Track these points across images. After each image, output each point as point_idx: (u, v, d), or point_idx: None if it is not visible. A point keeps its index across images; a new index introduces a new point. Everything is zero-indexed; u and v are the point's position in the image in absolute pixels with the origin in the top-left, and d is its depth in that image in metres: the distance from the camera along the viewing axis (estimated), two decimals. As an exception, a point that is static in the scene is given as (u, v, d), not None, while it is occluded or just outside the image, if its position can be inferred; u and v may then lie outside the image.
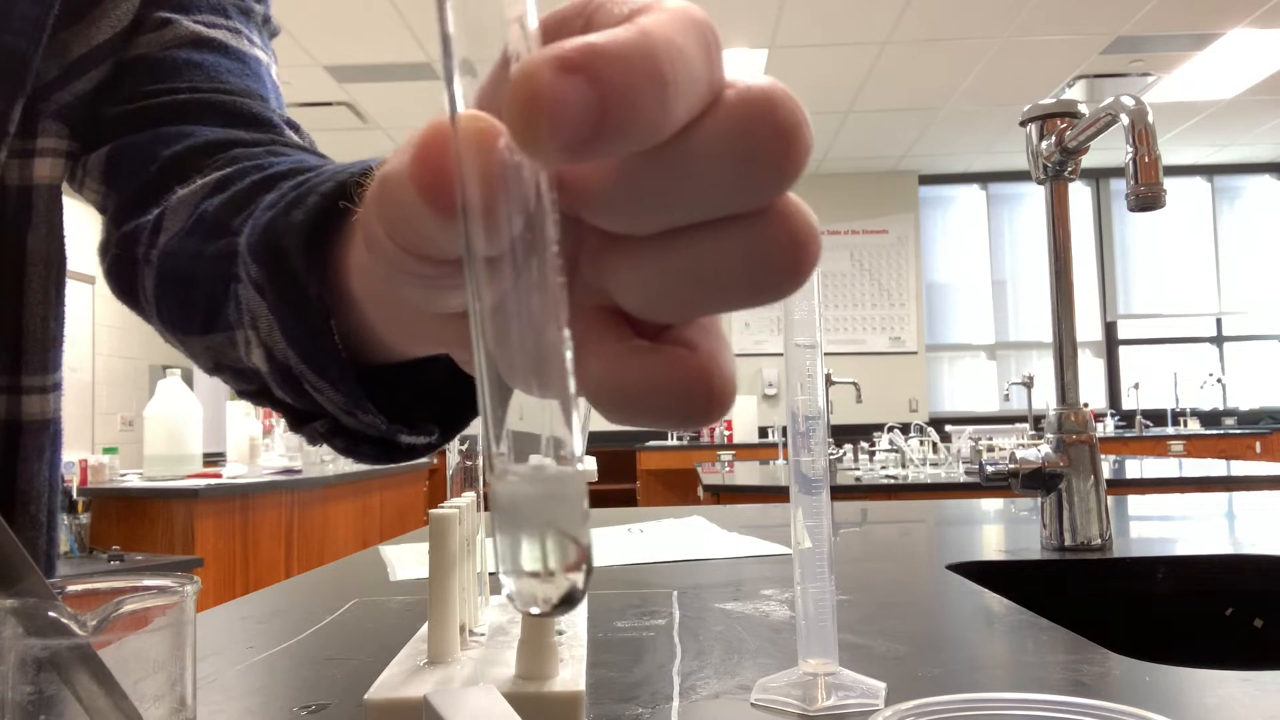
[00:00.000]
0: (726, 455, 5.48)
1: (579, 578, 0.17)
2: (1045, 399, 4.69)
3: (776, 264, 0.20)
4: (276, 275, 0.38)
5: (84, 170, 0.61)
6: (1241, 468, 2.59)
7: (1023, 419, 4.65)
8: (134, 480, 3.28)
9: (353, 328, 0.37)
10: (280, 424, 4.01)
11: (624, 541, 1.06)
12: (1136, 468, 2.84)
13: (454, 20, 0.17)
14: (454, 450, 0.51)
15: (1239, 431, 5.96)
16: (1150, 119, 0.79)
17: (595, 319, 0.23)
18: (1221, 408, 6.99)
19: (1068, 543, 0.91)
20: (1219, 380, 6.79)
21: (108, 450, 3.43)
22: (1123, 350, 7.22)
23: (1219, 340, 7.17)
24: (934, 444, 2.95)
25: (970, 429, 4.14)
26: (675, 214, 0.20)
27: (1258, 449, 5.65)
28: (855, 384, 3.04)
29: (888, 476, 2.66)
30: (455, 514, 0.46)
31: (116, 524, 3.01)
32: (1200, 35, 4.79)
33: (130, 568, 2.72)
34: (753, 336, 7.07)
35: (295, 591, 0.82)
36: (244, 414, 3.69)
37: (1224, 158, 6.96)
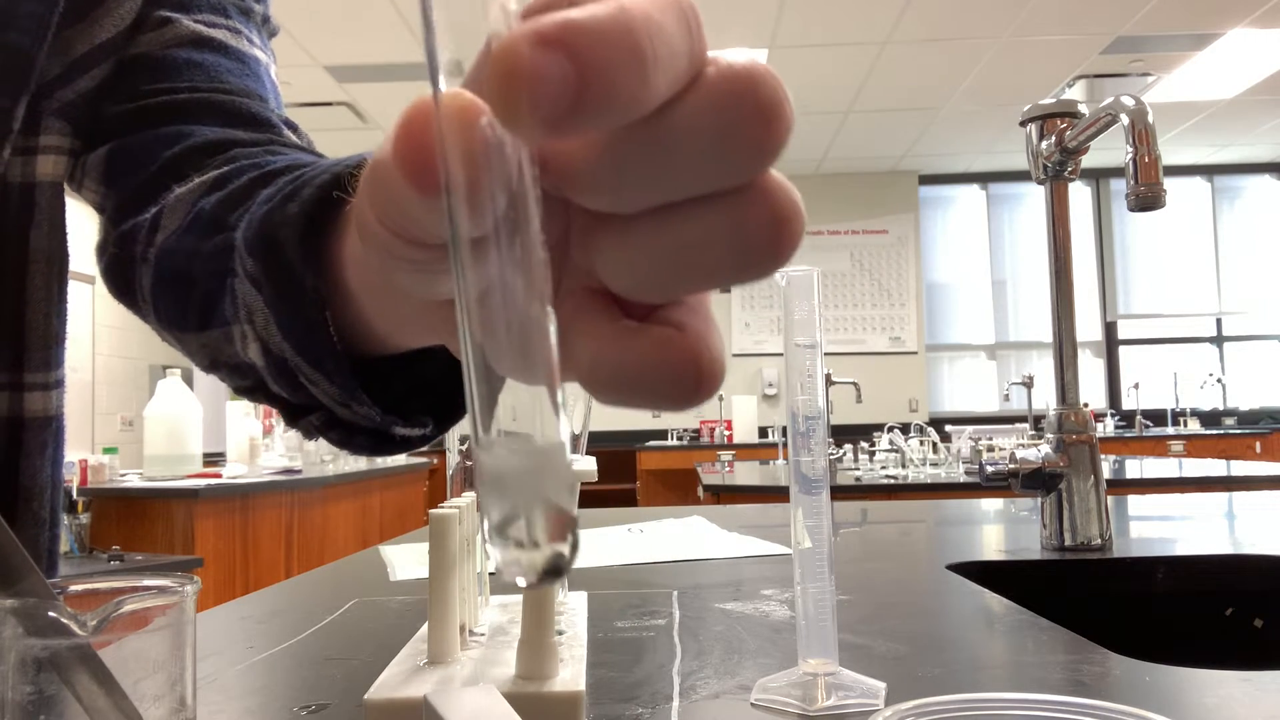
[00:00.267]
0: (726, 455, 5.48)
1: (565, 548, 0.17)
2: (1045, 399, 4.69)
3: (759, 241, 0.20)
4: (272, 268, 0.38)
5: (83, 170, 0.61)
6: (1241, 468, 2.59)
7: (1023, 419, 4.65)
8: (134, 480, 3.28)
9: (348, 320, 0.37)
10: (280, 424, 4.00)
11: (624, 541, 1.06)
12: (1136, 468, 2.84)
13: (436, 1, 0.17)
14: (454, 450, 0.52)
15: (1239, 431, 5.96)
16: (1150, 119, 0.79)
17: (585, 300, 0.23)
18: (1221, 408, 6.99)
19: (1068, 543, 0.91)
20: (1219, 380, 6.79)
21: (108, 450, 3.43)
22: (1123, 350, 7.22)
23: (1219, 340, 7.17)
24: (934, 444, 2.95)
25: (970, 429, 4.14)
26: (658, 191, 0.20)
27: (1258, 449, 5.65)
28: (855, 384, 3.04)
29: (888, 476, 2.66)
30: (455, 514, 0.46)
31: (116, 524, 3.01)
32: (1200, 35, 4.79)
33: (130, 568, 2.72)
34: (753, 336, 7.07)
35: (295, 591, 0.82)
36: (244, 414, 3.69)
37: (1224, 158, 6.96)
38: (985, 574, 0.83)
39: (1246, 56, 5.04)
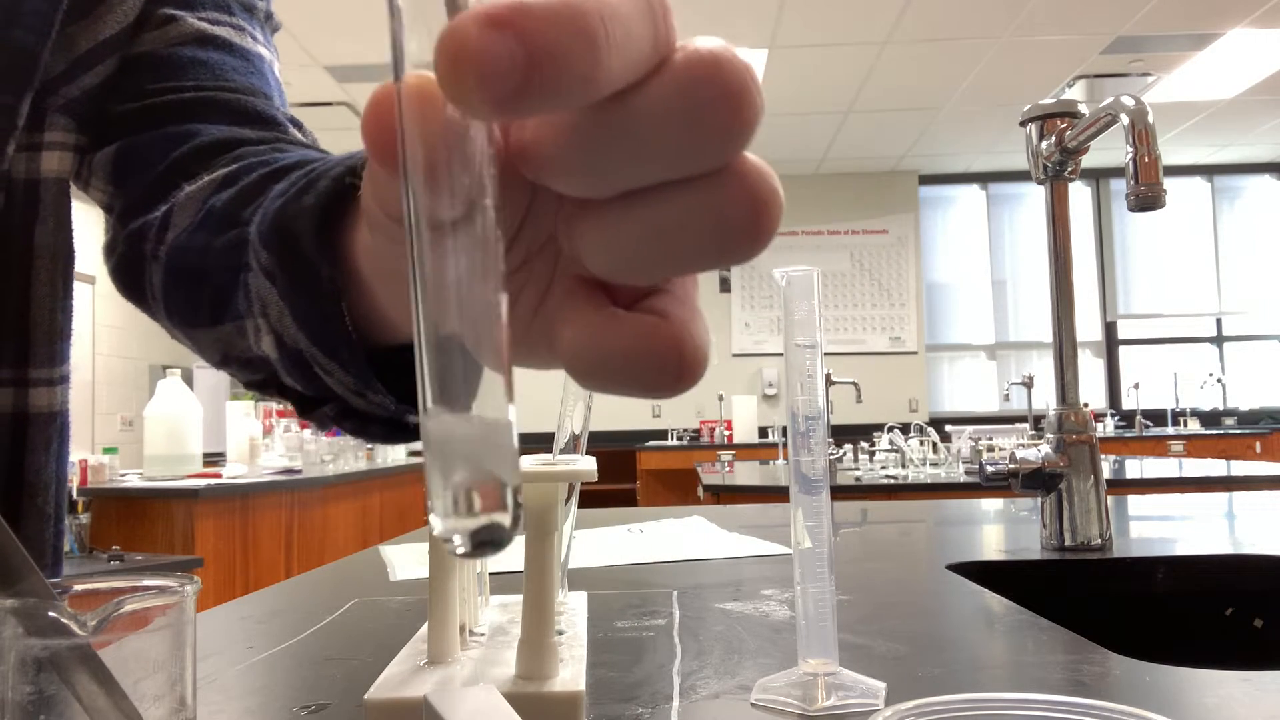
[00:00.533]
0: (726, 455, 5.48)
1: (504, 519, 0.17)
2: (1045, 399, 4.69)
3: (737, 224, 0.20)
4: (288, 260, 0.38)
5: (90, 170, 0.61)
6: (1241, 468, 2.59)
7: (1023, 419, 4.64)
8: (134, 480, 3.28)
9: (362, 309, 0.37)
10: (280, 424, 4.01)
11: (624, 541, 1.06)
12: (1136, 468, 2.84)
13: None
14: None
15: (1239, 431, 5.96)
16: (1150, 119, 0.79)
17: (574, 287, 0.23)
18: (1221, 408, 6.99)
19: (1068, 543, 0.91)
20: (1219, 380, 6.79)
21: (108, 450, 3.43)
22: (1123, 350, 7.22)
23: (1219, 340, 7.17)
24: (934, 444, 2.95)
25: (970, 429, 4.14)
26: (628, 176, 0.20)
27: (1258, 449, 5.64)
28: (855, 384, 3.04)
29: (888, 476, 2.66)
30: (455, 514, 0.45)
31: (116, 524, 3.01)
32: (1200, 35, 4.79)
33: (130, 568, 2.72)
34: (753, 336, 7.07)
35: (295, 591, 0.82)
36: (244, 414, 3.69)
37: (1224, 158, 6.96)
38: (985, 574, 0.83)
39: (1246, 56, 5.04)
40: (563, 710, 0.40)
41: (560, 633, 0.46)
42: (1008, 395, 6.60)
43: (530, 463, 0.45)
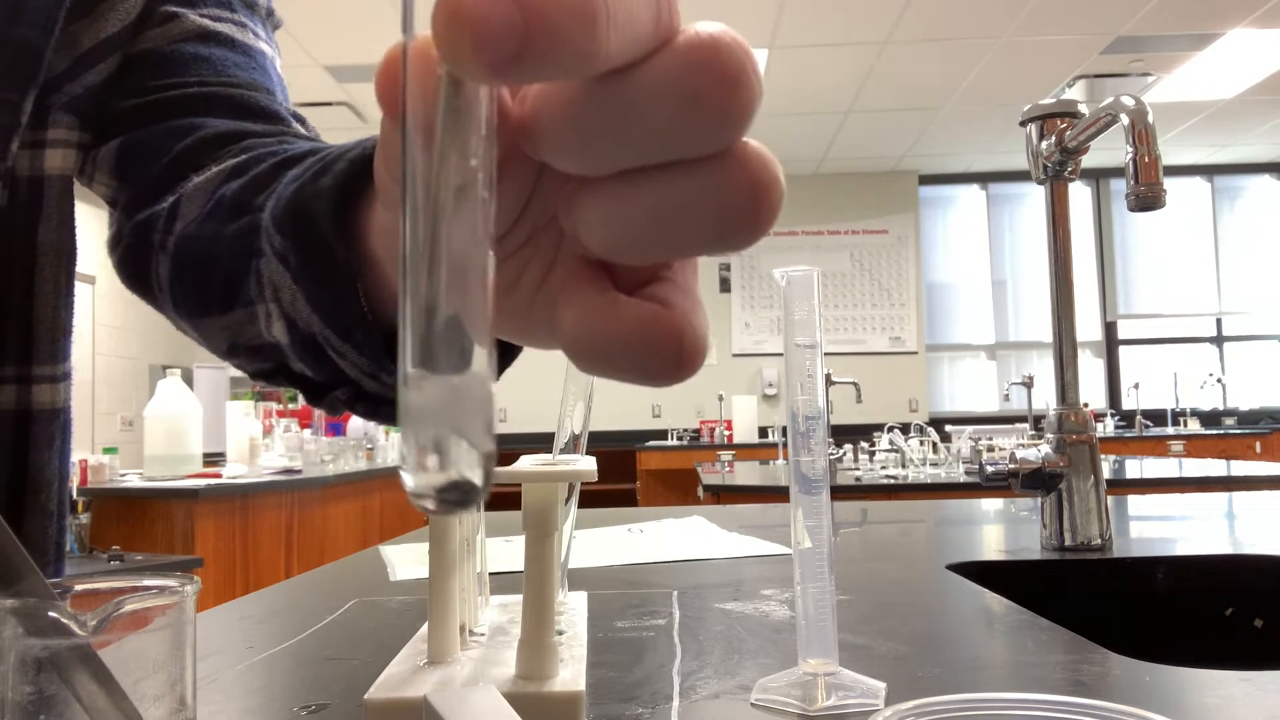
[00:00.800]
0: (726, 455, 5.48)
1: (475, 477, 0.18)
2: (1045, 399, 4.69)
3: (736, 209, 0.21)
4: (303, 242, 0.38)
5: (93, 164, 0.62)
6: (1241, 468, 2.59)
7: (1023, 419, 4.64)
8: (134, 480, 3.28)
9: (376, 292, 0.38)
10: (280, 424, 4.01)
11: (624, 541, 1.06)
12: (1136, 468, 2.84)
13: None
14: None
15: (1239, 431, 5.96)
16: (1150, 119, 0.79)
17: (576, 269, 0.24)
18: (1221, 408, 6.99)
19: (1068, 543, 0.91)
20: (1219, 380, 6.79)
21: (108, 450, 3.43)
22: (1123, 350, 7.22)
23: (1219, 340, 7.17)
24: (934, 444, 2.94)
25: (970, 429, 4.14)
26: (625, 154, 0.21)
27: (1258, 449, 5.64)
28: (855, 384, 3.04)
29: (888, 476, 2.66)
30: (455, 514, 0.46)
31: (116, 524, 3.01)
32: (1200, 35, 4.79)
33: (130, 568, 2.72)
34: (753, 336, 7.07)
35: (295, 591, 0.82)
36: (244, 414, 3.69)
37: (1224, 158, 6.96)
38: (985, 574, 0.83)
39: (1246, 56, 5.04)
40: (563, 710, 0.40)
41: (560, 633, 0.46)
42: (1008, 395, 6.61)
43: (530, 463, 0.45)
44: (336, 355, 0.41)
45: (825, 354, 0.45)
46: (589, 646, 0.49)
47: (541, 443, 0.49)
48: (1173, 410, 6.58)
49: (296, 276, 0.40)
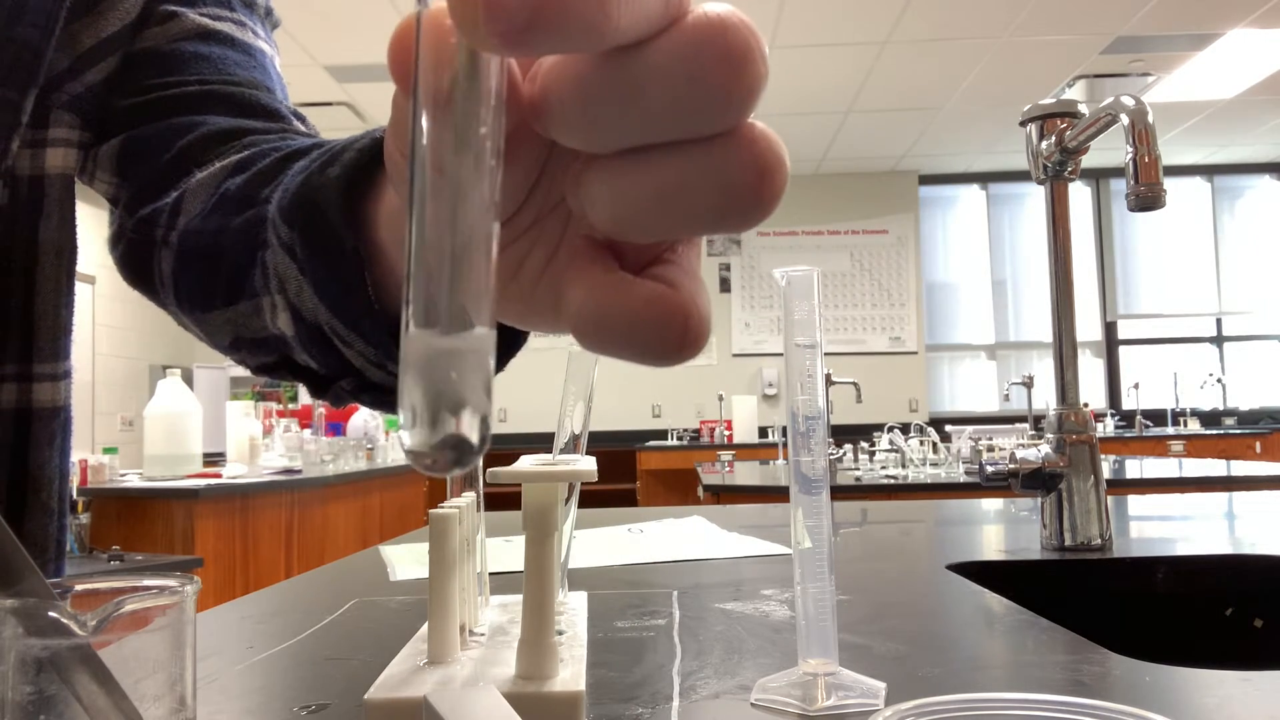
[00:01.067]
0: (726, 455, 5.48)
1: (473, 437, 0.18)
2: (1045, 399, 4.69)
3: (741, 189, 0.21)
4: (311, 232, 0.39)
5: (94, 162, 0.62)
6: (1241, 468, 2.59)
7: (1023, 419, 4.64)
8: (134, 480, 3.28)
9: (382, 280, 0.38)
10: (280, 424, 4.01)
11: (624, 541, 1.06)
12: (1136, 468, 2.84)
13: None
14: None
15: (1239, 431, 5.96)
16: (1150, 119, 0.79)
17: (583, 248, 0.24)
18: (1221, 408, 6.99)
19: (1068, 543, 0.91)
20: (1219, 380, 6.79)
21: (108, 450, 3.43)
22: (1123, 350, 7.22)
23: (1219, 340, 7.17)
24: (934, 444, 2.94)
25: (970, 429, 4.14)
26: (629, 132, 0.21)
27: (1258, 449, 5.64)
28: (855, 384, 3.04)
29: (888, 476, 2.66)
30: (455, 514, 0.46)
31: (116, 524, 3.01)
32: (1200, 35, 4.79)
33: (130, 568, 2.72)
34: (753, 336, 7.07)
35: (295, 591, 0.82)
36: (244, 414, 3.69)
37: (1224, 158, 6.96)
38: (985, 574, 0.83)
39: (1246, 56, 5.04)
40: (563, 710, 0.40)
41: (560, 633, 0.46)
42: (1008, 395, 6.60)
43: (530, 463, 0.45)
44: (343, 345, 0.41)
45: (825, 354, 0.45)
46: (589, 646, 0.49)
47: (541, 443, 0.49)
48: (1173, 410, 6.58)
49: (303, 267, 0.40)
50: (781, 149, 0.21)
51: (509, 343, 0.39)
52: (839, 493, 2.35)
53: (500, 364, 0.40)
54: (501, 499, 1.38)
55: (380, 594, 0.79)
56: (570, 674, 0.42)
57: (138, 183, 0.59)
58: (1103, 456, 1.26)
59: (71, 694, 0.26)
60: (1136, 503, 1.38)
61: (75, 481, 3.04)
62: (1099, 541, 0.91)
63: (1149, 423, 6.20)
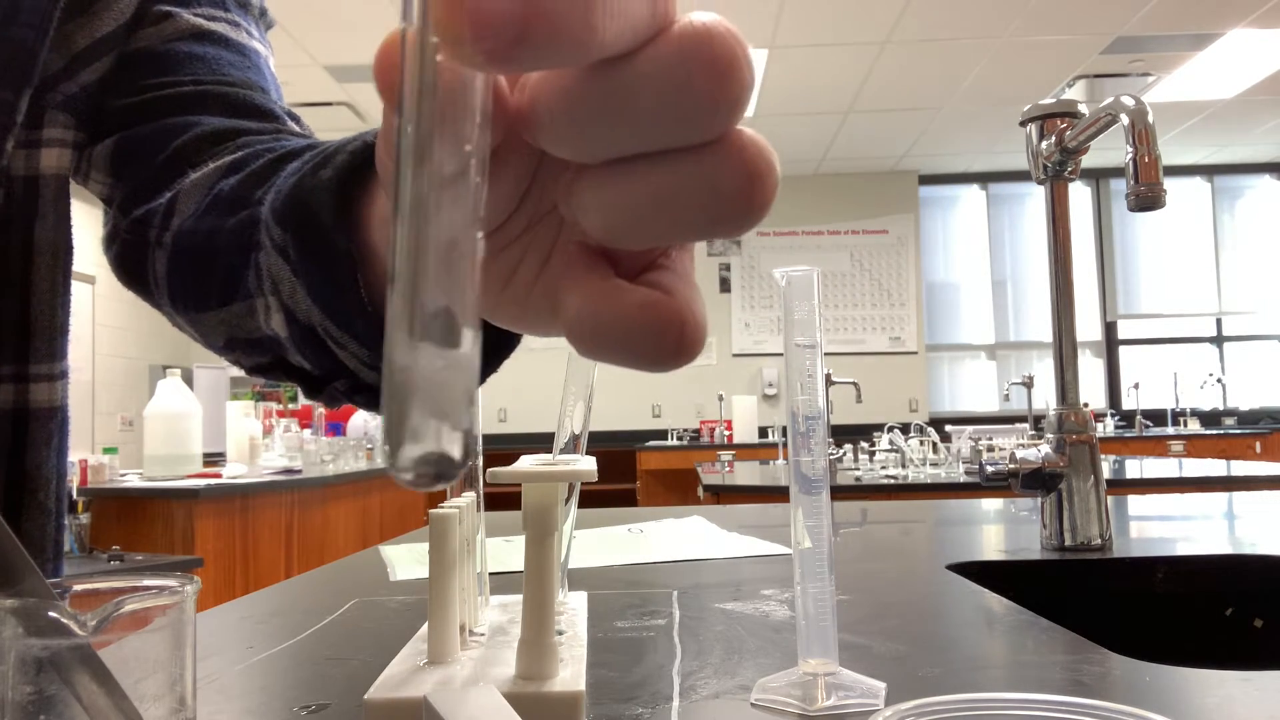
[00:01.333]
0: (726, 455, 5.48)
1: (454, 450, 0.18)
2: (1045, 399, 4.69)
3: (731, 195, 0.21)
4: (304, 233, 0.39)
5: (89, 163, 0.62)
6: (1241, 468, 2.59)
7: (1023, 419, 4.64)
8: (134, 480, 3.28)
9: (376, 282, 0.38)
10: (280, 424, 4.01)
11: (624, 541, 1.06)
12: (1136, 468, 2.84)
13: None
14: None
15: (1239, 431, 5.96)
16: (1150, 119, 0.79)
17: (577, 255, 0.24)
18: (1221, 408, 6.99)
19: (1068, 543, 0.91)
20: (1219, 380, 6.79)
21: (108, 450, 3.43)
22: (1123, 350, 7.22)
23: (1219, 340, 7.17)
24: (934, 444, 2.94)
25: (970, 429, 4.13)
26: (618, 142, 0.21)
27: (1258, 449, 5.64)
28: (855, 384, 3.04)
29: (888, 476, 2.66)
30: (455, 514, 0.46)
31: (116, 524, 3.01)
32: (1200, 35, 4.79)
33: (130, 568, 2.72)
34: (753, 336, 7.07)
35: (295, 591, 0.82)
36: (244, 414, 3.69)
37: (1224, 158, 6.96)
38: (985, 574, 0.83)
39: (1246, 56, 5.04)
40: (563, 710, 0.40)
41: (560, 633, 0.46)
42: (1008, 395, 6.60)
43: (530, 463, 0.45)
44: (336, 346, 0.41)
45: (825, 354, 0.45)
46: (589, 646, 0.49)
47: (541, 443, 0.49)
48: (1173, 410, 6.58)
49: (296, 268, 0.40)
50: (771, 155, 0.21)
51: (502, 345, 0.39)
52: (839, 493, 2.35)
53: (493, 366, 0.40)
54: (501, 499, 1.38)
55: (380, 594, 0.79)
56: (570, 674, 0.42)
57: (132, 183, 0.58)
58: (1103, 456, 1.26)
59: (71, 694, 0.26)
60: (1136, 503, 1.38)
61: (75, 481, 3.04)
62: (1099, 541, 0.91)
63: (1149, 423, 6.20)
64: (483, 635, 0.50)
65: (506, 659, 0.44)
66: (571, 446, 0.51)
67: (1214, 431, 6.02)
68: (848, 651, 0.55)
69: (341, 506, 3.92)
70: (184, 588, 0.29)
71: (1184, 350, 7.15)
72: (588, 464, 0.45)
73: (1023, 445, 0.96)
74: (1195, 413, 6.67)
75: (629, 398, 6.88)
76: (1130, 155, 0.79)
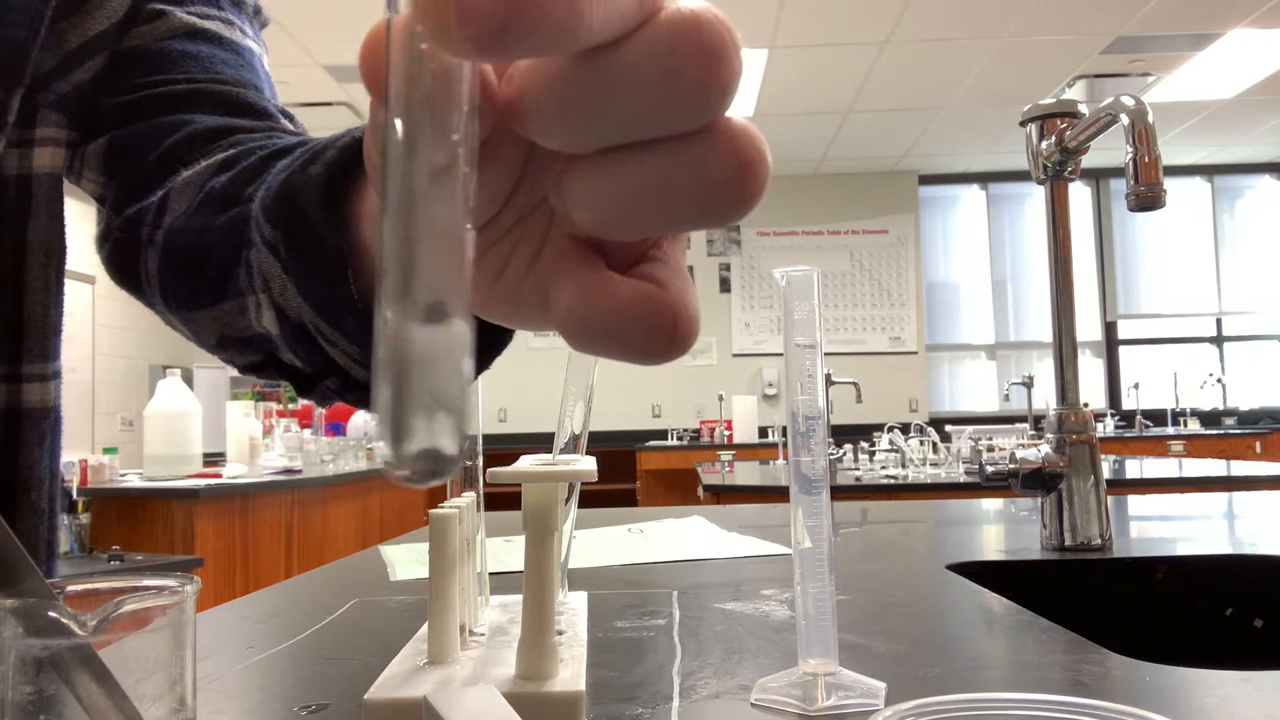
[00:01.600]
0: (726, 455, 5.48)
1: (449, 446, 0.18)
2: (1045, 399, 4.69)
3: (722, 184, 0.21)
4: (293, 230, 0.38)
5: (82, 161, 0.62)
6: (1241, 468, 2.59)
7: (1023, 419, 4.64)
8: (134, 480, 3.28)
9: (366, 279, 0.38)
10: (280, 424, 4.01)
11: (624, 541, 1.06)
12: (1136, 468, 2.84)
13: None
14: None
15: (1239, 431, 5.96)
16: (1150, 119, 0.79)
17: (568, 248, 0.24)
18: (1221, 408, 6.99)
19: (1068, 543, 0.91)
20: (1219, 380, 6.79)
21: (108, 450, 3.44)
22: (1123, 350, 7.22)
23: (1219, 340, 7.17)
24: (934, 444, 2.95)
25: (970, 429, 4.13)
26: (607, 131, 0.21)
27: (1258, 449, 5.64)
28: (855, 384, 3.04)
29: (888, 476, 2.66)
30: (455, 514, 0.46)
31: (116, 524, 3.01)
32: (1200, 35, 4.79)
33: (130, 568, 2.72)
34: (753, 336, 7.07)
35: (295, 591, 0.82)
36: (244, 414, 3.69)
37: (1224, 158, 6.96)
38: (985, 574, 0.83)
39: (1246, 56, 5.04)
40: (563, 710, 0.40)
41: (560, 633, 0.46)
42: (1008, 395, 6.60)
43: (530, 463, 0.45)
44: (327, 344, 0.41)
45: (825, 354, 0.45)
46: (589, 646, 0.49)
47: (541, 443, 0.49)
48: (1173, 410, 6.58)
49: (287, 265, 0.40)
50: (762, 143, 0.21)
51: (495, 340, 0.39)
52: (839, 493, 2.35)
53: (486, 362, 0.39)
54: (501, 499, 1.38)
55: (380, 594, 0.79)
56: (570, 674, 0.42)
57: (124, 182, 0.58)
58: (1103, 456, 1.26)
59: (71, 694, 0.26)
60: (1136, 503, 1.38)
61: (75, 481, 3.04)
62: (1099, 541, 0.91)
63: (1149, 423, 6.20)
64: (483, 635, 0.50)
65: (506, 659, 0.44)
66: (571, 446, 0.51)
67: (1214, 431, 6.02)
68: (848, 651, 0.55)
69: (341, 506, 3.92)
70: (184, 588, 0.29)
71: (1184, 350, 7.15)
72: (588, 464, 0.45)
73: (1023, 445, 0.96)
74: (1195, 413, 6.67)
75: (629, 398, 6.88)
76: (1130, 155, 0.79)
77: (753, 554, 0.95)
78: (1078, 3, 4.38)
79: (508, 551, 0.96)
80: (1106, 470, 2.63)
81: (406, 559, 0.96)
